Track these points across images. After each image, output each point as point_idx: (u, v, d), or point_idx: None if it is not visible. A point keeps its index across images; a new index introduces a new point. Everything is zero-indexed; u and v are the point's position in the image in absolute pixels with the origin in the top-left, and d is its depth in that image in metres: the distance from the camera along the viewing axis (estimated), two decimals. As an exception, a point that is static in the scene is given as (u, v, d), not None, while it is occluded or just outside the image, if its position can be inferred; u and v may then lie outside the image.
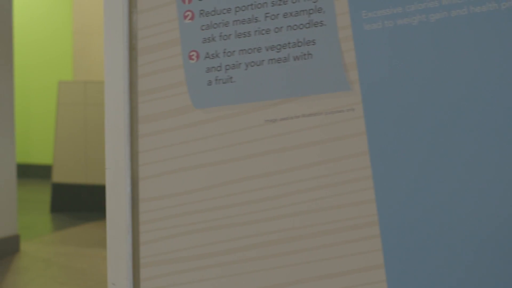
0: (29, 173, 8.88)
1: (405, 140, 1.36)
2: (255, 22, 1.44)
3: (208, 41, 1.47)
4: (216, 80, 1.46)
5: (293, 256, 1.44)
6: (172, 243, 1.52)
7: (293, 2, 1.42)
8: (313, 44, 1.40)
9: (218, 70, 1.46)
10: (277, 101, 1.43)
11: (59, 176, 6.60)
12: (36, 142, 9.06)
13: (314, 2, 1.40)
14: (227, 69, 1.46)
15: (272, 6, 1.43)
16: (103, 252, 5.19)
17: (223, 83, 1.46)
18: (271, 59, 1.43)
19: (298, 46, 1.41)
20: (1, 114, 4.92)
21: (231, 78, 1.46)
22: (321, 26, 1.39)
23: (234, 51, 1.45)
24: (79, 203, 6.62)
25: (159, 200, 1.52)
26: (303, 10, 1.41)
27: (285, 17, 1.42)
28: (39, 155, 9.02)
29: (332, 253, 1.41)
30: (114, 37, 1.52)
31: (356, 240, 1.39)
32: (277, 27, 1.43)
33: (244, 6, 1.45)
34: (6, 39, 4.94)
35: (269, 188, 1.45)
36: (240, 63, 1.45)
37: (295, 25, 1.41)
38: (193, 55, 1.48)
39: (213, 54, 1.47)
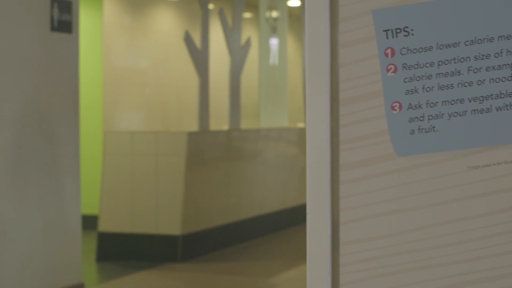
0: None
1: None
2: (458, 75, 1.53)
3: (411, 93, 1.56)
4: (418, 129, 1.55)
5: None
6: (371, 285, 1.59)
7: (496, 57, 1.50)
8: (517, 96, 1.49)
9: (421, 120, 1.55)
10: (479, 149, 1.51)
11: (106, 226, 6.69)
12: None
13: (520, 56, 1.49)
14: (429, 119, 1.54)
15: (475, 60, 1.52)
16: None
17: (426, 132, 1.54)
18: (474, 110, 1.51)
19: (501, 97, 1.50)
20: (68, 166, 5.07)
21: (433, 127, 1.54)
22: (526, 79, 1.48)
23: (437, 102, 1.54)
24: (126, 252, 6.69)
25: (359, 243, 1.59)
26: (506, 64, 1.49)
27: (487, 71, 1.51)
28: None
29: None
30: (316, 88, 1.62)
31: None
32: (479, 80, 1.51)
33: (447, 60, 1.54)
34: (74, 92, 5.12)
35: (469, 231, 1.53)
36: (443, 114, 1.53)
37: (498, 78, 1.50)
38: (395, 106, 1.58)
39: (415, 105, 1.55)
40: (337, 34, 1.63)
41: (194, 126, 10.29)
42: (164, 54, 10.11)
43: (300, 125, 9.85)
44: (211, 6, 6.71)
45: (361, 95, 1.60)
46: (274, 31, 8.84)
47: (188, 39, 6.64)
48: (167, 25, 10.24)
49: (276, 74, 9.02)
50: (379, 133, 1.58)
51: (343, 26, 1.62)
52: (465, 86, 1.51)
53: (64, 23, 4.95)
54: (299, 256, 6.98)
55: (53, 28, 4.89)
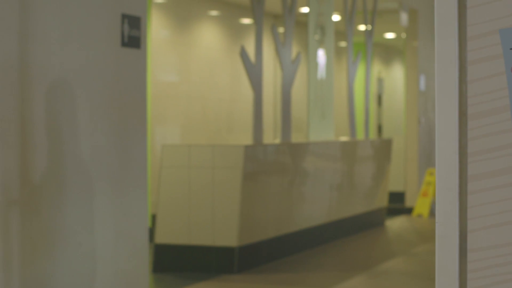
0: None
1: None
2: None
3: (538, 108, 1.65)
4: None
5: None
6: (498, 290, 1.69)
7: None
8: None
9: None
10: None
11: (162, 237, 6.79)
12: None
13: None
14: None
15: None
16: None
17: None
18: None
19: None
20: (136, 178, 5.18)
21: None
22: None
23: None
24: (182, 263, 6.78)
25: (486, 250, 1.69)
26: None
27: None
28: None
29: None
30: (446, 103, 1.72)
31: None
32: None
33: None
34: (142, 106, 5.24)
35: None
36: None
37: None
38: (523, 120, 1.67)
39: (542, 119, 1.65)
40: (465, 52, 1.72)
41: (240, 140, 10.40)
42: (208, 69, 10.25)
43: (343, 138, 9.92)
44: (253, 21, 6.83)
45: (488, 109, 1.69)
46: (321, 46, 8.93)
47: (244, 54, 6.75)
48: (210, 39, 10.38)
49: (324, 88, 9.12)
50: (505, 146, 1.68)
51: (471, 45, 1.72)
52: None
53: (133, 38, 5.08)
54: (352, 267, 7.06)
55: (123, 44, 5.02)
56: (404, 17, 11.20)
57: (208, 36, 10.29)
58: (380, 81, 15.17)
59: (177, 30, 9.63)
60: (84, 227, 4.77)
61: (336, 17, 9.79)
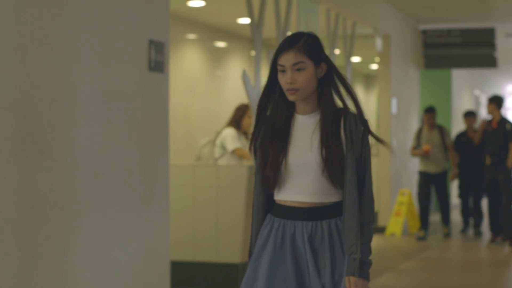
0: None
1: None
2: None
3: None
4: None
5: None
6: None
7: None
8: None
9: None
10: None
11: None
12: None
13: None
14: None
15: None
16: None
17: None
18: None
19: None
20: (160, 197, 5.41)
21: None
22: None
23: None
24: (186, 279, 6.96)
25: None
26: None
27: None
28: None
29: None
30: None
31: None
32: None
33: None
34: (165, 127, 5.47)
35: None
36: None
37: None
38: None
39: None
40: None
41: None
42: (189, 91, 10.47)
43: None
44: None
45: None
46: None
47: (245, 78, 7.04)
48: (191, 62, 10.62)
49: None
50: None
51: None
52: None
53: (158, 63, 5.32)
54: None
55: (150, 68, 5.26)
56: (378, 42, 11.59)
57: (189, 59, 10.53)
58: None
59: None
60: (118, 242, 4.98)
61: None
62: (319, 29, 9.19)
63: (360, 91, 16.38)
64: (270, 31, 8.37)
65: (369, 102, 17.15)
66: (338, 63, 10.27)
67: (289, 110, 3.09)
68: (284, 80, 3.01)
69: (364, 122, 3.03)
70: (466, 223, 11.93)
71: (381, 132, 11.98)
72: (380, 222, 12.03)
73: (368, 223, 3.04)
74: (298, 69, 2.99)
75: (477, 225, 11.42)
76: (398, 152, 12.23)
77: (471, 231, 11.77)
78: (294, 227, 3.05)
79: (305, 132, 3.06)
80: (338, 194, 3.06)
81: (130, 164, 5.09)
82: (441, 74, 15.38)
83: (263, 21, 7.41)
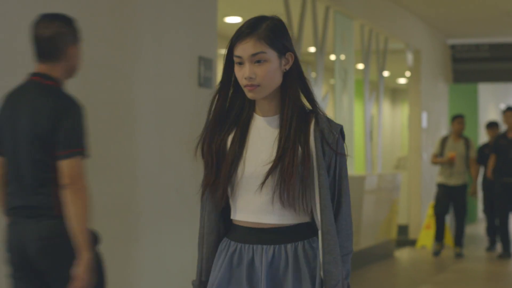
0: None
1: None
2: None
3: None
4: None
5: None
6: None
7: None
8: None
9: None
10: None
11: None
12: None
13: None
14: None
15: None
16: None
17: None
18: None
19: None
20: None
21: None
22: None
23: None
24: None
25: None
26: None
27: None
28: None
29: None
30: None
31: None
32: None
33: None
34: None
35: None
36: None
37: None
38: None
39: None
40: None
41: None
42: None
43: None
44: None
45: None
46: (344, 87, 9.34)
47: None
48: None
49: (346, 127, 9.54)
50: None
51: None
52: None
53: (207, 79, 5.47)
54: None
55: (199, 84, 5.40)
56: (409, 57, 11.71)
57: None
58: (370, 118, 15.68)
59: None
60: (171, 254, 5.11)
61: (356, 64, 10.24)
62: (354, 44, 9.34)
63: (387, 105, 16.49)
64: (307, 46, 8.52)
65: (395, 116, 17.28)
66: (370, 77, 10.42)
67: (248, 111, 2.53)
68: (241, 74, 2.43)
69: (339, 128, 2.45)
70: (492, 241, 11.23)
71: (412, 146, 12.07)
72: (411, 235, 12.10)
73: (346, 254, 2.49)
74: (258, 61, 2.41)
75: (506, 249, 10.41)
76: (428, 165, 12.31)
77: (498, 250, 10.99)
78: (252, 252, 2.47)
79: (265, 139, 2.49)
80: (305, 214, 2.48)
81: (181, 178, 5.22)
82: (467, 88, 15.44)
83: (303, 37, 7.54)
